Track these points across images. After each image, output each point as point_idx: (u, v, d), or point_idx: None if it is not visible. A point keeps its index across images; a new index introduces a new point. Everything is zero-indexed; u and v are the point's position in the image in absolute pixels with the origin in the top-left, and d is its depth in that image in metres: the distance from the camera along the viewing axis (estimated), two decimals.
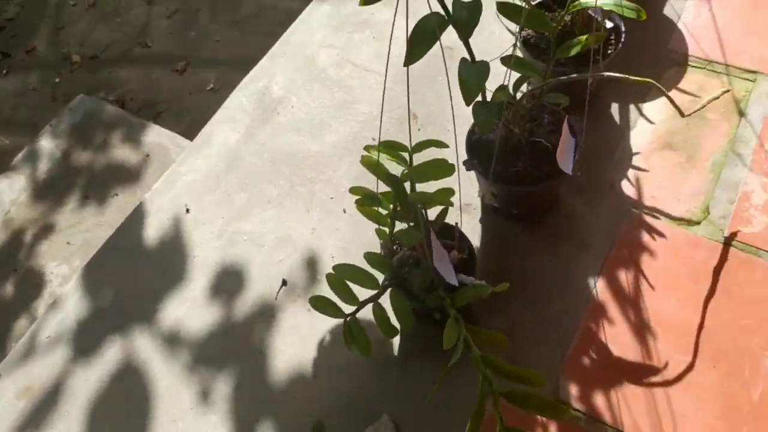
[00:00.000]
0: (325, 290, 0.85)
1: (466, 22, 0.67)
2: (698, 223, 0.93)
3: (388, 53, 0.68)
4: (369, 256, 0.82)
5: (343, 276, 0.81)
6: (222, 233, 1.03)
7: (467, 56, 0.70)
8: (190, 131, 1.30)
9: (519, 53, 0.91)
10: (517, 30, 0.94)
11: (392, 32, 0.65)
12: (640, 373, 0.83)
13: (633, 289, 0.89)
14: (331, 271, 0.82)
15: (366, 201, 0.80)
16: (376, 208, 0.80)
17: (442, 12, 0.66)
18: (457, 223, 0.83)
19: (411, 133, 0.77)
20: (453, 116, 0.74)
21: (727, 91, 0.96)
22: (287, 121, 1.15)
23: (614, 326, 0.87)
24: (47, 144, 1.45)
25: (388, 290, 0.81)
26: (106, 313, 0.98)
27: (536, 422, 0.81)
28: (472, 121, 0.79)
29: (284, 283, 0.96)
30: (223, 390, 0.89)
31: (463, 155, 0.89)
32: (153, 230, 1.05)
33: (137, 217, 1.07)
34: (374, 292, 0.81)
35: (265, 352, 0.91)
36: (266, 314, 0.94)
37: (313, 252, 0.99)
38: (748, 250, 0.90)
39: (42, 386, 0.93)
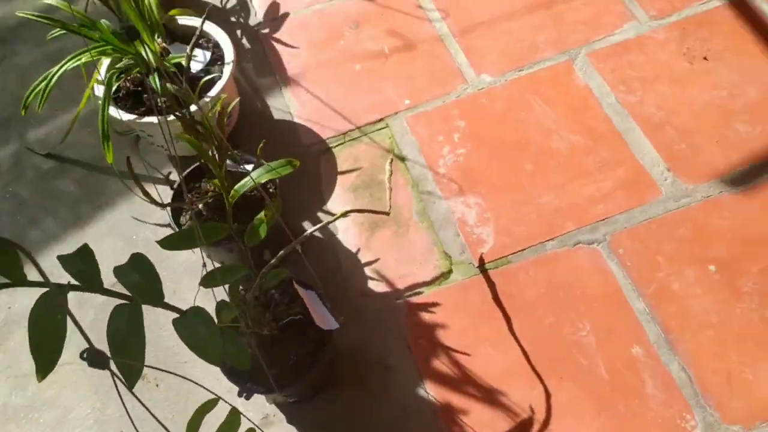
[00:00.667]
0: None
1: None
2: (450, 271, 0.95)
3: None
4: None
5: None
6: None
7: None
8: None
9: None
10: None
11: None
12: (522, 430, 0.83)
13: (456, 370, 0.88)
14: None
15: None
16: None
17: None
18: None
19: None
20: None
21: (392, 160, 0.99)
22: None
23: (469, 414, 0.85)
24: None
25: None
26: None
27: None
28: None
29: None
30: None
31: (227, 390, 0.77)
32: None
33: None
34: None
35: None
36: None
37: None
38: (500, 264, 0.95)
39: None
